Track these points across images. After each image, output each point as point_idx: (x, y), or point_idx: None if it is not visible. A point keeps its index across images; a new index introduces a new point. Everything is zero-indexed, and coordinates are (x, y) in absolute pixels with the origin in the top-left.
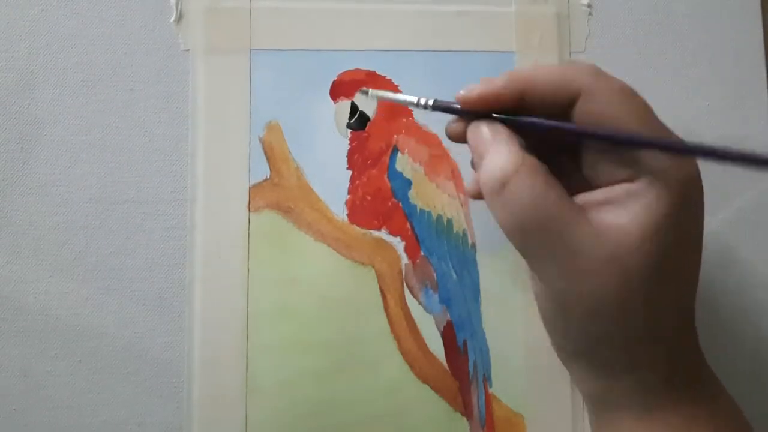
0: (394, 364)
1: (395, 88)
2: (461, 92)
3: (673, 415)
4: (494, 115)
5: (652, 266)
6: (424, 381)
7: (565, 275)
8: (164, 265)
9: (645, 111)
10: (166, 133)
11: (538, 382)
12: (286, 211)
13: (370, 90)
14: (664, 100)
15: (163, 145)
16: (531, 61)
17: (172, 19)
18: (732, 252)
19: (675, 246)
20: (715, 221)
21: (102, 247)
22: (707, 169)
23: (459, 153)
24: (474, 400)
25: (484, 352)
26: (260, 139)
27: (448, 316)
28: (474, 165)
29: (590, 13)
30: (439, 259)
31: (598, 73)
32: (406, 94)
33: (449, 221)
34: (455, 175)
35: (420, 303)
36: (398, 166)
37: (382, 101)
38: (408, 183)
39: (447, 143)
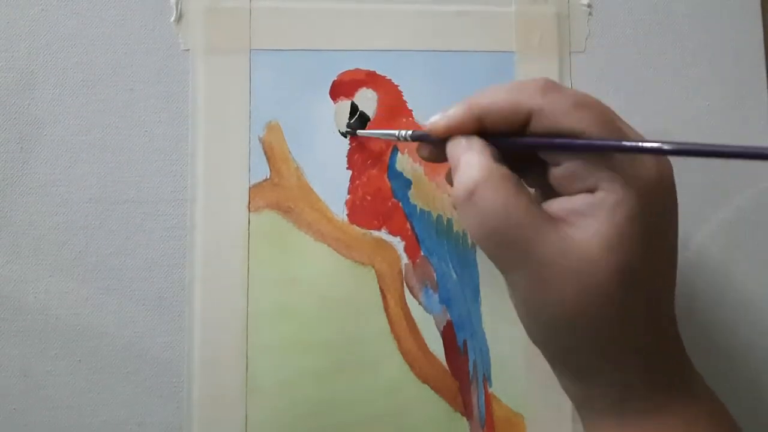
0: (394, 364)
1: (395, 88)
2: (427, 125)
3: (655, 420)
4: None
5: (616, 278)
6: (424, 381)
7: (532, 284)
8: (164, 265)
9: (601, 117)
10: (166, 133)
11: (538, 382)
12: (286, 211)
13: (358, 131)
14: (664, 100)
15: (163, 145)
16: (531, 61)
17: (172, 19)
18: (732, 252)
19: (642, 254)
20: (715, 221)
21: (102, 247)
22: (707, 170)
23: None
24: (474, 400)
25: (484, 352)
26: (260, 139)
27: (448, 316)
28: (447, 180)
29: (590, 13)
30: (439, 259)
31: (546, 89)
32: (406, 94)
33: (449, 221)
34: None
35: (420, 303)
36: (398, 166)
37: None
38: (408, 183)
39: None
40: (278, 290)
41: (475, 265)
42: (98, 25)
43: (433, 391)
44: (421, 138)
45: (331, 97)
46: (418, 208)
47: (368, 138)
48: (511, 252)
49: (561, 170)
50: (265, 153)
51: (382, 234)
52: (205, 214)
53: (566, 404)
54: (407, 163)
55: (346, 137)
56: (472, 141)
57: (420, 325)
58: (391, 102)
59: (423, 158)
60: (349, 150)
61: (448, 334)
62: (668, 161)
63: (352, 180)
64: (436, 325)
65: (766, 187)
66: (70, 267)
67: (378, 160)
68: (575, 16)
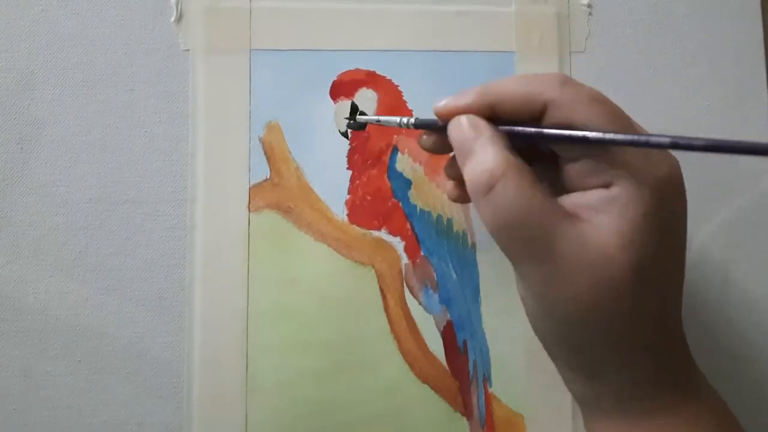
0: (394, 364)
1: (395, 88)
2: (436, 105)
3: (660, 420)
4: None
5: (629, 274)
6: (424, 381)
7: (547, 279)
8: (164, 265)
9: (614, 115)
10: (166, 133)
11: (538, 382)
12: (286, 211)
13: (358, 116)
14: (664, 100)
15: (163, 145)
16: (531, 61)
17: (172, 19)
18: (732, 252)
19: (654, 252)
20: (715, 221)
21: (102, 247)
22: (708, 170)
23: None
24: (474, 400)
25: (484, 352)
26: (260, 139)
27: (448, 316)
28: (450, 174)
29: (590, 13)
30: (439, 259)
31: (564, 82)
32: (406, 94)
33: (449, 221)
34: None
35: (420, 303)
36: (398, 166)
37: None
38: (408, 183)
39: None
40: (278, 290)
41: (475, 265)
42: (98, 25)
43: (433, 391)
44: (425, 125)
45: (331, 97)
46: (418, 208)
47: (368, 138)
48: (528, 245)
49: (577, 166)
50: (265, 153)
51: (382, 234)
52: (205, 214)
53: (566, 404)
54: (407, 163)
55: (346, 137)
56: (478, 124)
57: (420, 325)
58: (391, 102)
59: (425, 148)
60: (349, 150)
61: (448, 334)
62: (676, 160)
63: (352, 180)
64: (436, 325)
65: (766, 188)
66: (70, 267)
67: (378, 160)
68: (575, 16)
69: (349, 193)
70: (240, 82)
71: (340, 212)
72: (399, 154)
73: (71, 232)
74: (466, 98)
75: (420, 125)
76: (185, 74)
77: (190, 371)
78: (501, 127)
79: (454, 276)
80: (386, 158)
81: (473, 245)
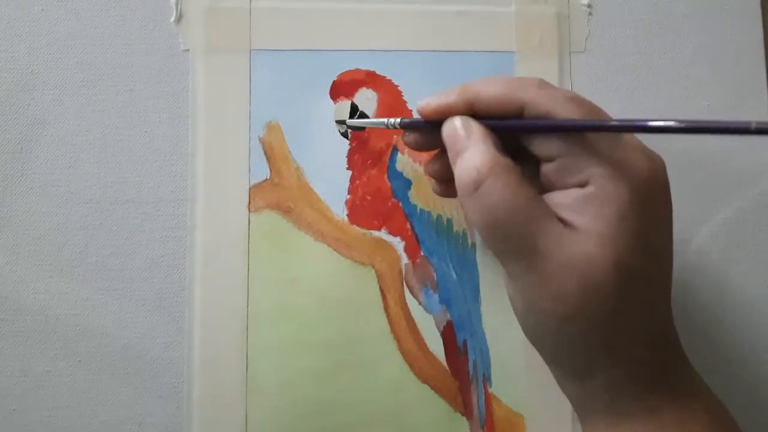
0: (394, 364)
1: (395, 88)
2: (420, 104)
3: (653, 419)
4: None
5: (612, 272)
6: (424, 381)
7: (532, 276)
8: (164, 265)
9: (593, 111)
10: (166, 133)
11: (538, 382)
12: (286, 211)
13: (347, 120)
14: (664, 100)
15: (163, 145)
16: (531, 61)
17: (172, 19)
18: (732, 252)
19: (637, 250)
20: (715, 221)
21: (102, 247)
22: (707, 170)
23: None
24: (474, 400)
25: (484, 352)
26: (260, 139)
27: (448, 316)
28: (431, 171)
29: (590, 13)
30: (439, 259)
31: (542, 85)
32: (406, 94)
33: (449, 221)
34: None
35: (420, 303)
36: (398, 166)
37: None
38: (408, 183)
39: None
40: (278, 290)
41: (475, 265)
42: (98, 25)
43: (433, 391)
44: (411, 125)
45: (331, 97)
46: (418, 208)
47: (368, 138)
48: (514, 243)
49: (553, 165)
50: (265, 153)
51: (382, 234)
52: (205, 214)
53: (566, 404)
54: (407, 163)
55: (346, 137)
56: (469, 125)
57: (420, 325)
58: (391, 102)
59: (407, 145)
60: (349, 150)
61: (448, 334)
62: (661, 159)
63: (352, 180)
64: (436, 325)
65: (766, 188)
66: (70, 267)
67: (378, 160)
68: (575, 16)
69: (349, 193)
70: (240, 82)
71: (340, 212)
72: (399, 154)
73: (71, 232)
74: (448, 97)
75: (406, 126)
76: (185, 74)
77: (190, 371)
78: (486, 121)
79: (454, 276)
80: (386, 158)
81: (473, 245)
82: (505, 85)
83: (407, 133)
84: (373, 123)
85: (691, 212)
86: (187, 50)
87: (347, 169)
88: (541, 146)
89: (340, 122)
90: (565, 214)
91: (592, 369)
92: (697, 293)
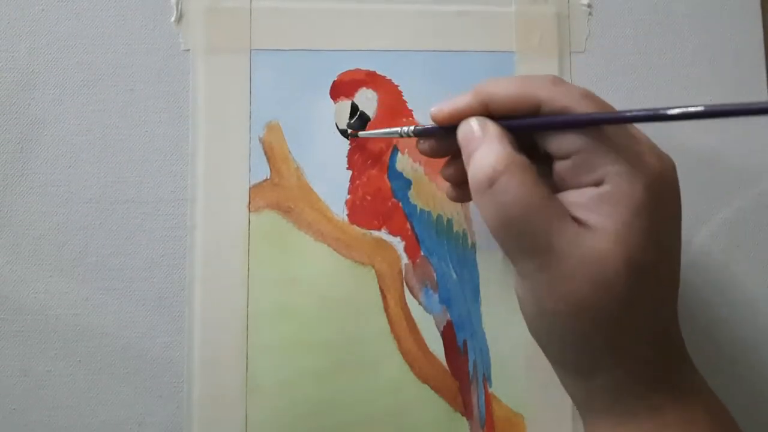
0: (394, 364)
1: (395, 88)
2: (433, 110)
3: (655, 419)
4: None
5: (624, 271)
6: (424, 381)
7: (544, 275)
8: (164, 265)
9: (606, 109)
10: (166, 133)
11: (538, 382)
12: (286, 211)
13: (359, 133)
14: (664, 100)
15: (163, 145)
16: (531, 61)
17: (172, 19)
18: (732, 252)
19: (647, 250)
20: (715, 221)
21: (102, 247)
22: (706, 170)
23: None
24: (474, 400)
25: (484, 352)
26: (260, 139)
27: (448, 316)
28: (446, 175)
29: (590, 13)
30: (439, 259)
31: (556, 82)
32: (406, 94)
33: (449, 221)
34: None
35: (420, 303)
36: (398, 166)
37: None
38: (408, 183)
39: None
40: (278, 290)
41: (475, 265)
42: (98, 25)
43: (433, 391)
44: (425, 133)
45: (331, 97)
46: (418, 208)
47: (368, 138)
48: (528, 242)
49: (568, 163)
50: (265, 153)
51: (382, 234)
52: (205, 214)
53: (566, 404)
54: (407, 163)
55: (346, 136)
56: (486, 126)
57: (420, 325)
58: (391, 102)
59: (422, 152)
60: (349, 150)
61: (448, 334)
62: (671, 159)
63: (352, 180)
64: (436, 325)
65: (766, 188)
66: (70, 267)
67: (378, 160)
68: (575, 16)
69: (349, 193)
70: (240, 82)
71: (340, 212)
72: (399, 154)
73: (71, 232)
74: (462, 100)
75: (420, 133)
76: (185, 74)
77: (190, 371)
78: (504, 122)
79: (454, 276)
80: (386, 158)
81: (473, 245)
82: (519, 83)
83: (422, 141)
84: (387, 133)
85: (691, 212)
86: (188, 50)
87: (347, 169)
88: (557, 143)
89: (353, 135)
90: (580, 213)
91: (597, 367)
92: (697, 293)
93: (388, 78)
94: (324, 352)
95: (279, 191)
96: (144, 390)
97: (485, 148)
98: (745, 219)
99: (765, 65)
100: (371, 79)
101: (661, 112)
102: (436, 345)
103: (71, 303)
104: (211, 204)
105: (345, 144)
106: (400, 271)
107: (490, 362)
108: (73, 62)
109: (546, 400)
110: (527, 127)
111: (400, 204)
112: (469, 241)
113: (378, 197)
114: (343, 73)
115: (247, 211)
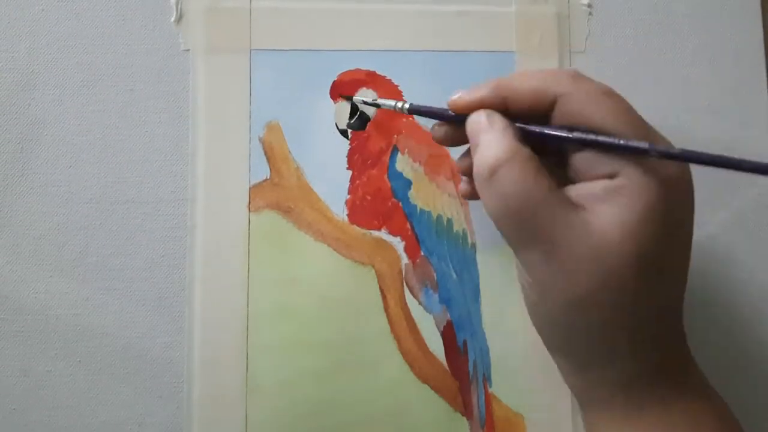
0: (394, 364)
1: (395, 88)
2: (452, 97)
3: (654, 413)
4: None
5: (633, 265)
6: (424, 381)
7: (548, 266)
8: (164, 265)
9: (622, 109)
10: (166, 133)
11: (538, 382)
12: (286, 211)
13: (353, 98)
14: (664, 100)
15: (163, 145)
16: (531, 61)
17: (172, 19)
18: (731, 253)
19: (657, 245)
20: (714, 222)
21: (102, 247)
22: (707, 170)
23: (459, 153)
24: (474, 400)
25: (484, 352)
26: (260, 139)
27: (448, 316)
28: (462, 167)
29: (590, 13)
30: (439, 259)
31: (576, 77)
32: (406, 94)
33: (449, 221)
34: (455, 175)
35: (420, 303)
36: (398, 166)
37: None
38: (408, 183)
39: None
40: (278, 290)
41: (475, 265)
42: (98, 25)
43: (433, 391)
44: (440, 116)
45: (331, 97)
46: (418, 208)
47: (368, 138)
48: (530, 232)
49: (582, 156)
50: (265, 153)
51: (382, 234)
52: (205, 214)
53: (566, 404)
54: (407, 163)
55: (346, 136)
56: (493, 118)
57: (420, 325)
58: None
59: (436, 140)
60: (349, 150)
61: (448, 334)
62: (688, 165)
63: (352, 180)
64: (436, 325)
65: (766, 188)
66: (70, 267)
67: (378, 160)
68: (575, 16)
69: (349, 193)
70: (240, 82)
71: (340, 212)
72: (399, 154)
73: (71, 232)
74: (480, 91)
75: (413, 111)
76: (185, 74)
77: (190, 371)
78: (517, 124)
79: (454, 276)
80: (386, 158)
81: (473, 245)
82: (539, 77)
83: (436, 127)
84: (382, 104)
85: None
86: (188, 50)
87: (347, 169)
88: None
89: (347, 98)
90: (592, 205)
91: (599, 358)
92: (697, 292)
93: (388, 78)
94: (324, 352)
95: (279, 191)
96: (144, 390)
97: (489, 138)
98: (745, 219)
99: (765, 65)
100: (371, 79)
101: (673, 151)
102: (436, 345)
103: (71, 303)
104: (211, 204)
105: (345, 144)
106: (400, 271)
107: (490, 362)
108: (73, 62)
109: (546, 400)
110: (539, 135)
111: (400, 204)
112: (469, 241)
113: (378, 197)
114: (343, 73)
115: (247, 211)
